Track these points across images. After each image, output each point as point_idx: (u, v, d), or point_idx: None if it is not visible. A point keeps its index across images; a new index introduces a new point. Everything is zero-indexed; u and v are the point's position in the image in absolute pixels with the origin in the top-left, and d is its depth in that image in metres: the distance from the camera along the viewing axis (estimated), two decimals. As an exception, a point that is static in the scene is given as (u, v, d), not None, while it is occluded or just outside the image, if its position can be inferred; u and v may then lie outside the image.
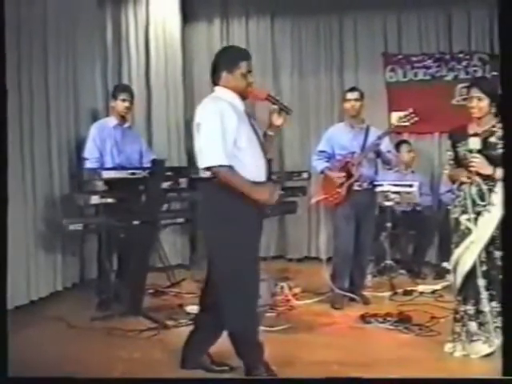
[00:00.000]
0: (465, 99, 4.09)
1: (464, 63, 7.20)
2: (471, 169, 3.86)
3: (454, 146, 4.05)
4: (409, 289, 5.69)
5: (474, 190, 3.88)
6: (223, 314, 3.44)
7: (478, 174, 3.85)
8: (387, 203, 6.00)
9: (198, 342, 3.71)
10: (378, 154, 5.30)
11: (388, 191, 5.97)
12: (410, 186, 6.14)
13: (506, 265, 2.79)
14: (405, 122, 5.30)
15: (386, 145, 5.29)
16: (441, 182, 6.83)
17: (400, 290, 5.65)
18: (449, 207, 6.09)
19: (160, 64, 7.08)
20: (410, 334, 4.44)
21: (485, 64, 7.13)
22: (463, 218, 3.92)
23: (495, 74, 6.93)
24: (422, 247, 6.63)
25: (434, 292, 5.64)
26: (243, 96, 3.53)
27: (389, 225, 6.04)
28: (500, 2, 2.86)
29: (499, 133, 3.89)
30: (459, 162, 4.00)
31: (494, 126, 3.92)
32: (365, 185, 5.27)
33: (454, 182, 4.10)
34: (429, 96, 7.03)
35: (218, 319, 3.49)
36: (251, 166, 3.38)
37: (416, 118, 5.28)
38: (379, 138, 5.16)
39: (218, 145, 3.32)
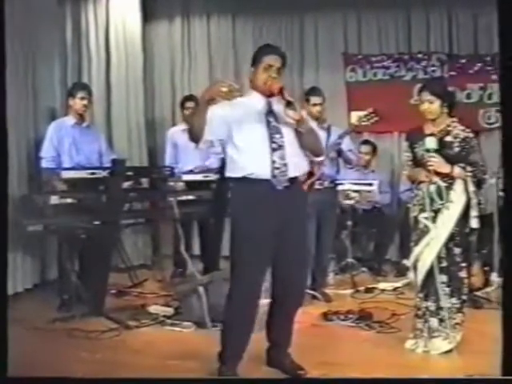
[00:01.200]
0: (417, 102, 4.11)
1: (423, 63, 7.29)
2: (429, 168, 3.91)
3: (411, 147, 4.10)
4: (370, 286, 5.76)
5: (432, 188, 3.94)
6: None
7: (436, 173, 3.91)
8: (348, 202, 6.07)
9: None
10: (340, 153, 5.34)
11: (349, 190, 6.04)
12: (370, 184, 6.22)
13: (506, 265, 2.81)
14: (365, 121, 5.36)
15: (347, 144, 5.34)
16: (400, 180, 6.93)
17: (361, 288, 5.72)
18: (408, 205, 6.23)
19: (120, 63, 7.03)
20: (371, 330, 4.49)
21: (443, 64, 7.24)
22: (422, 217, 3.98)
23: (453, 74, 7.05)
24: (383, 245, 6.72)
25: (394, 289, 5.71)
26: (265, 92, 3.46)
27: (350, 223, 6.11)
28: (499, 3, 2.89)
29: (455, 131, 3.98)
30: (417, 162, 4.05)
31: (448, 126, 4.00)
32: (326, 184, 5.30)
33: (413, 181, 4.16)
34: (388, 96, 7.10)
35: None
36: (249, 164, 3.39)
37: (376, 118, 5.35)
38: (340, 137, 5.21)
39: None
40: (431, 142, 3.91)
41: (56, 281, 5.36)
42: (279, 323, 3.64)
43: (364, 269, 6.36)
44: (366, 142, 6.91)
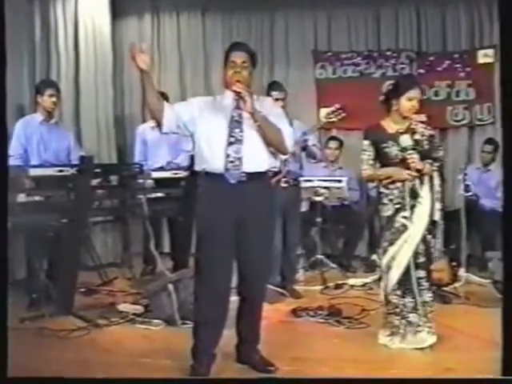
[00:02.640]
0: (395, 97, 4.05)
1: (392, 61, 7.36)
2: (411, 165, 3.91)
3: (374, 146, 4.06)
4: (340, 282, 5.79)
5: (412, 186, 3.95)
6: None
7: (415, 170, 3.93)
8: (317, 198, 6.08)
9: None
10: (304, 148, 5.36)
11: (318, 187, 6.06)
12: (339, 181, 6.25)
13: (506, 264, 2.84)
14: (331, 117, 5.38)
15: (311, 139, 5.34)
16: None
17: (331, 284, 5.74)
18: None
19: (89, 59, 6.97)
20: (341, 326, 4.52)
21: (412, 61, 7.31)
22: (400, 216, 3.96)
23: (421, 71, 7.12)
24: (352, 241, 6.76)
25: (364, 285, 5.75)
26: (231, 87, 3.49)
27: (319, 220, 6.13)
28: (500, 1, 2.92)
29: (419, 129, 4.03)
30: (387, 162, 4.03)
31: (411, 124, 4.03)
32: (291, 181, 5.32)
33: (373, 181, 4.19)
34: (357, 93, 7.15)
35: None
36: (206, 157, 3.45)
37: (343, 114, 5.36)
38: (305, 133, 5.22)
39: None
40: (407, 140, 3.93)
41: (24, 280, 5.30)
42: (246, 319, 3.66)
43: (333, 265, 6.39)
44: (333, 138, 6.94)
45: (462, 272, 5.55)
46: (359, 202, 6.94)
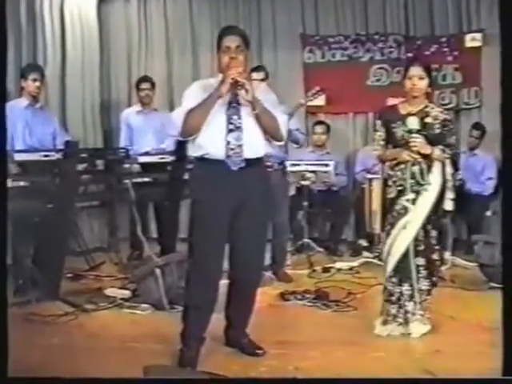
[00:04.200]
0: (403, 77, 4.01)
1: (379, 44, 7.34)
2: (413, 149, 3.85)
3: (386, 126, 4.01)
4: (327, 266, 5.82)
5: (415, 169, 3.88)
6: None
7: (418, 154, 3.87)
8: (304, 183, 6.09)
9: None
10: (287, 132, 5.33)
11: (305, 171, 6.07)
12: (326, 165, 6.25)
13: (505, 261, 2.84)
14: (311, 99, 5.35)
15: (294, 123, 5.31)
16: (356, 161, 7.00)
17: (318, 268, 5.77)
18: (363, 186, 6.31)
19: (76, 43, 6.92)
20: (328, 310, 4.54)
21: (400, 45, 7.30)
22: (403, 199, 3.90)
23: (409, 55, 7.11)
24: (339, 225, 6.79)
25: (351, 269, 5.78)
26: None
27: (305, 204, 6.14)
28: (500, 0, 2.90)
29: (433, 113, 3.93)
30: (394, 142, 3.98)
31: (426, 107, 3.95)
32: (276, 165, 5.31)
33: (384, 161, 4.12)
34: (345, 77, 7.16)
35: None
36: (205, 144, 3.41)
37: (322, 95, 5.32)
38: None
39: None
40: (414, 123, 3.86)
41: (10, 266, 5.28)
42: (236, 303, 3.67)
43: (320, 249, 6.41)
44: (320, 123, 6.93)
45: (447, 255, 5.59)
46: (346, 187, 6.96)
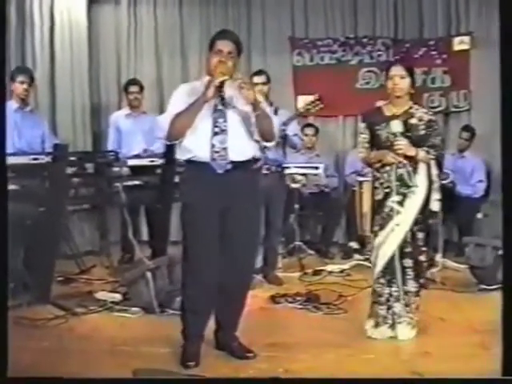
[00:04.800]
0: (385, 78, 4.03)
1: (368, 48, 7.37)
2: (398, 152, 3.85)
3: (370, 128, 4.01)
4: (318, 269, 5.82)
5: (402, 171, 3.88)
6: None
7: (403, 156, 3.87)
8: (294, 185, 6.10)
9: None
10: (285, 137, 5.36)
11: (295, 174, 6.08)
12: (316, 168, 6.26)
13: (505, 263, 2.84)
14: (310, 108, 5.38)
15: (292, 128, 5.35)
16: (345, 163, 7.02)
17: (309, 270, 5.77)
18: (354, 188, 6.32)
19: (65, 46, 6.91)
20: (319, 312, 4.54)
21: (388, 48, 7.33)
22: (389, 200, 3.90)
23: (398, 58, 7.13)
24: (330, 227, 6.80)
25: (342, 271, 5.79)
26: (213, 75, 3.43)
27: (297, 206, 6.15)
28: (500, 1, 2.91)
29: (418, 114, 3.93)
30: (379, 145, 3.97)
31: (410, 108, 3.95)
32: (273, 168, 5.33)
33: (369, 164, 4.10)
34: (334, 80, 7.19)
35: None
36: (192, 147, 3.44)
37: (321, 105, 5.37)
38: (284, 124, 5.22)
39: None
40: (397, 126, 3.86)
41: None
42: (226, 306, 3.66)
43: (311, 251, 6.42)
44: (309, 125, 6.95)
45: (438, 257, 5.60)
46: (336, 189, 6.98)
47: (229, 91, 3.47)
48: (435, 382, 3.24)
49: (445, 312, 4.43)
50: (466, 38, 7.12)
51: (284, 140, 5.37)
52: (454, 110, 7.24)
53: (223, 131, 3.44)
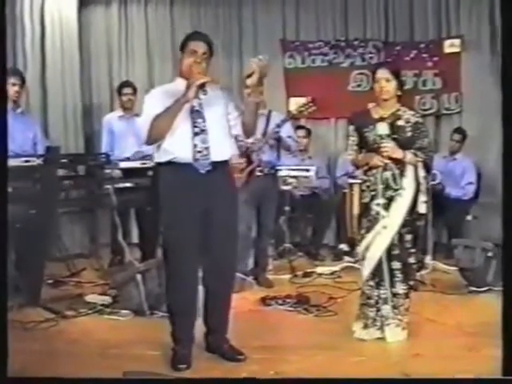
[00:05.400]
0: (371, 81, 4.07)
1: (359, 50, 7.40)
2: (384, 154, 3.85)
3: (358, 131, 4.01)
4: (308, 271, 5.83)
5: (387, 174, 3.88)
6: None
7: (390, 159, 3.87)
8: (285, 187, 6.10)
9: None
10: (279, 139, 5.37)
11: (286, 176, 6.08)
12: (307, 170, 6.28)
13: (505, 262, 2.84)
14: (303, 111, 5.39)
15: (286, 130, 5.36)
16: (337, 166, 7.03)
17: (300, 272, 5.78)
18: (345, 190, 6.34)
19: (56, 48, 6.90)
20: (309, 314, 4.54)
21: (379, 51, 7.35)
22: (374, 203, 3.91)
23: (389, 60, 7.15)
24: (320, 230, 6.81)
25: (332, 273, 5.80)
26: (190, 77, 3.43)
27: (287, 209, 6.15)
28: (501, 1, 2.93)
29: (405, 116, 3.93)
30: (367, 147, 3.97)
31: (398, 110, 3.95)
32: (266, 170, 5.34)
33: (357, 166, 4.11)
34: (326, 82, 7.21)
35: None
36: (173, 148, 3.44)
37: (314, 108, 5.38)
38: (278, 126, 5.23)
39: None
40: (383, 128, 3.87)
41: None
42: (213, 308, 3.67)
43: (302, 254, 6.43)
44: (301, 127, 6.96)
45: (428, 259, 5.62)
46: (328, 191, 6.99)
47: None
48: (435, 382, 3.25)
49: (435, 314, 4.44)
50: (457, 41, 7.15)
51: (278, 142, 5.38)
52: (445, 112, 7.26)
53: (203, 131, 3.47)
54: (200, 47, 3.50)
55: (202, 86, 3.37)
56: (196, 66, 3.44)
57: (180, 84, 3.51)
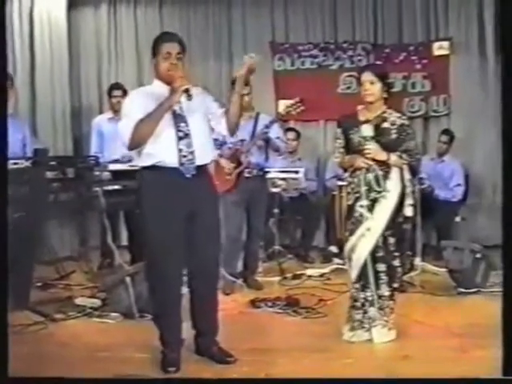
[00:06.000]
0: (358, 84, 4.05)
1: (349, 53, 7.41)
2: (367, 156, 3.86)
3: (345, 133, 4.01)
4: (298, 273, 5.84)
5: (370, 176, 3.89)
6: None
7: (374, 161, 3.88)
8: (274, 189, 6.11)
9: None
10: (268, 141, 5.37)
11: (275, 178, 6.09)
12: (296, 172, 6.29)
13: (505, 263, 2.85)
14: (291, 111, 5.39)
15: (275, 132, 5.37)
16: (326, 168, 7.04)
17: (289, 275, 5.78)
18: (334, 193, 6.35)
19: (45, 50, 6.89)
20: (298, 316, 4.54)
21: (368, 53, 7.37)
22: (358, 205, 3.91)
23: (378, 63, 7.17)
24: (310, 232, 6.82)
25: (321, 275, 5.80)
26: (168, 81, 3.43)
27: (277, 211, 6.14)
28: (501, 2, 2.93)
29: (391, 118, 3.93)
30: (352, 149, 3.97)
31: (384, 112, 3.95)
32: (255, 172, 5.34)
33: (345, 169, 4.10)
34: (315, 84, 7.22)
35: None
36: (157, 153, 3.42)
37: (302, 108, 5.38)
38: (267, 126, 5.23)
39: None
40: (367, 130, 3.87)
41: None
42: (200, 311, 3.67)
43: (291, 256, 6.44)
44: (290, 129, 6.97)
45: (417, 261, 5.64)
46: (317, 193, 7.00)
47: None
48: (435, 382, 3.26)
49: (424, 315, 4.46)
50: (446, 44, 7.18)
51: (267, 143, 5.38)
52: (433, 114, 7.29)
53: (187, 135, 3.46)
54: (173, 48, 3.46)
55: (186, 91, 3.36)
56: (175, 70, 3.41)
57: (159, 86, 3.50)
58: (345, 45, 7.41)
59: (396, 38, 7.40)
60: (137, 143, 3.43)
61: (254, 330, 4.31)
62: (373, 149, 3.86)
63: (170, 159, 3.42)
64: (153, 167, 3.46)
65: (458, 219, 6.61)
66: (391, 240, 3.91)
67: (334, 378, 3.28)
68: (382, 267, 3.92)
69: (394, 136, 3.91)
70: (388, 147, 3.90)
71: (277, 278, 5.70)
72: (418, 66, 7.29)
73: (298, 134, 6.99)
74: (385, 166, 3.90)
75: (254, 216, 5.40)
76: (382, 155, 3.88)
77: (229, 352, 3.64)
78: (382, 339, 3.93)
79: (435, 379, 3.24)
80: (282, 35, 7.53)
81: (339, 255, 6.29)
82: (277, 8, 7.50)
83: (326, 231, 6.95)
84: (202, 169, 3.50)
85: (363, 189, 3.91)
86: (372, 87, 3.91)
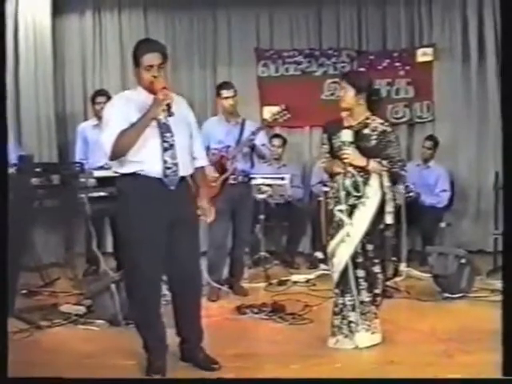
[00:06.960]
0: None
1: (333, 59, 7.44)
2: (345, 160, 3.87)
3: (329, 139, 4.04)
4: (283, 279, 5.84)
5: (348, 181, 3.89)
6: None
7: (352, 166, 3.88)
8: (260, 196, 6.11)
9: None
10: (253, 147, 5.38)
11: (261, 184, 6.09)
12: (282, 178, 6.30)
13: (505, 262, 2.86)
14: (277, 118, 5.41)
15: (260, 139, 5.37)
16: (312, 174, 7.06)
17: (275, 281, 5.78)
18: (320, 198, 6.36)
19: (29, 56, 6.88)
20: (284, 322, 4.54)
21: (352, 60, 7.41)
22: (336, 209, 3.92)
23: (362, 69, 7.20)
24: (295, 238, 6.83)
25: (307, 281, 5.81)
26: (151, 91, 3.41)
27: (262, 217, 6.14)
28: (501, 4, 2.95)
29: (373, 124, 3.94)
30: (334, 154, 3.99)
31: (367, 119, 3.96)
32: (240, 178, 5.35)
33: (330, 174, 4.09)
34: (299, 91, 7.23)
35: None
36: (140, 161, 3.39)
37: (288, 115, 5.40)
38: (253, 133, 5.24)
39: None
40: (347, 135, 3.88)
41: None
42: (183, 318, 3.66)
43: (277, 262, 6.44)
44: (276, 136, 6.99)
45: (402, 267, 5.66)
46: (302, 199, 7.01)
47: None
48: (435, 382, 3.27)
49: (409, 320, 4.48)
50: (429, 50, 7.23)
51: (252, 150, 5.39)
52: (418, 120, 7.33)
53: (172, 146, 3.44)
54: (155, 60, 3.42)
55: (168, 107, 3.34)
56: (157, 82, 3.38)
57: (142, 93, 3.48)
58: (329, 51, 7.45)
59: (380, 45, 7.44)
60: (118, 154, 3.39)
61: (239, 337, 4.31)
62: (351, 154, 3.87)
63: (155, 169, 3.40)
64: (134, 174, 3.42)
65: (443, 225, 6.64)
66: (369, 247, 3.91)
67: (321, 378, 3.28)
68: (361, 273, 3.92)
69: (373, 142, 3.92)
70: (368, 153, 3.90)
71: (262, 284, 5.71)
72: (402, 73, 7.33)
73: (284, 141, 7.01)
74: (364, 172, 3.90)
75: (240, 222, 5.39)
76: (361, 161, 3.89)
77: (214, 359, 3.63)
78: (365, 343, 3.93)
79: (435, 379, 3.28)
80: (266, 42, 7.55)
81: (325, 261, 6.30)
82: (262, 15, 7.53)
83: (311, 237, 6.97)
84: (183, 179, 3.50)
85: (342, 194, 3.91)
86: (345, 94, 3.95)
